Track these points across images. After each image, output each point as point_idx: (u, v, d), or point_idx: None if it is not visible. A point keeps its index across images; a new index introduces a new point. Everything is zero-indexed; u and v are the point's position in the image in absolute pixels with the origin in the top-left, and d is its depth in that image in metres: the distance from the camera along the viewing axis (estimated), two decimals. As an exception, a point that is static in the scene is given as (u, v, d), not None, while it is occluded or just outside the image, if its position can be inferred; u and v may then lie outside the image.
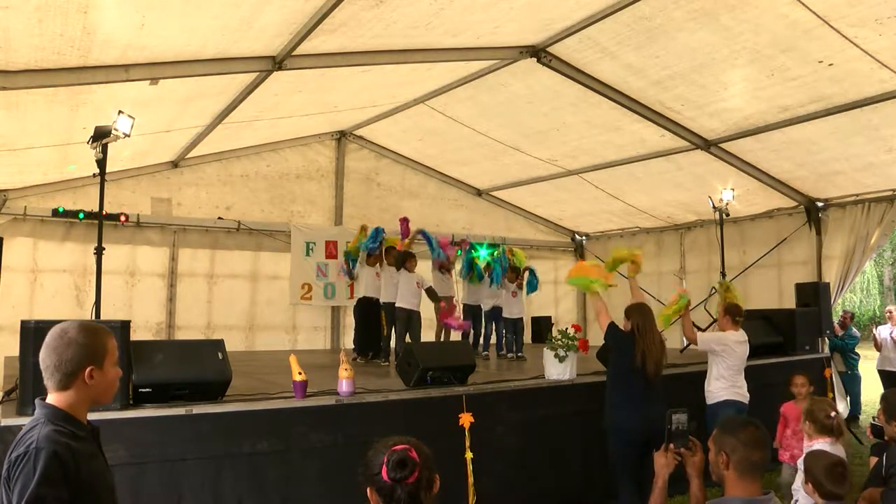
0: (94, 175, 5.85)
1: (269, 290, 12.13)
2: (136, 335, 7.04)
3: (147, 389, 5.00)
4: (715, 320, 8.06)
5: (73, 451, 2.18)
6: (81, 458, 2.21)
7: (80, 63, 6.11)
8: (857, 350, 11.60)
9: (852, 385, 11.35)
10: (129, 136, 5.75)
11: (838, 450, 4.29)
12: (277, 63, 7.39)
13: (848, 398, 11.17)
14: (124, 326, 4.89)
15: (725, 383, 6.47)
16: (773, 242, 11.73)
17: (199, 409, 4.99)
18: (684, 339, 10.32)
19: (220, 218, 11.74)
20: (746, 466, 2.76)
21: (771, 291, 11.60)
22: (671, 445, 3.26)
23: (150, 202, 11.23)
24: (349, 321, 12.20)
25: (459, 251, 10.54)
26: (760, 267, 11.86)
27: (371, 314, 9.71)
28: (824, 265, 11.08)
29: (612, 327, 5.85)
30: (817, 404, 4.42)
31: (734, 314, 6.82)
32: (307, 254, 12.30)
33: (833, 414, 4.32)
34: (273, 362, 8.80)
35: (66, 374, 2.29)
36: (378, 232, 9.78)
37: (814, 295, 10.08)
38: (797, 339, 9.42)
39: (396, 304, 9.19)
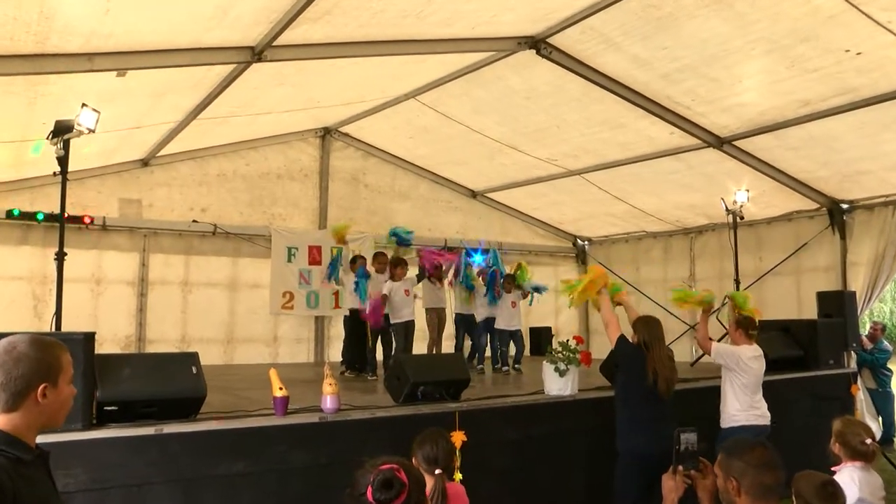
0: (55, 174, 5.79)
1: (249, 299, 12.06)
2: (102, 349, 6.90)
3: (112, 407, 4.90)
4: (727, 332, 8.00)
5: (13, 479, 2.12)
6: (23, 486, 2.14)
7: (37, 50, 6.03)
8: (889, 365, 11.47)
9: (885, 404, 11.16)
10: (93, 131, 5.70)
11: (872, 475, 4.22)
12: (256, 54, 7.36)
13: (880, 418, 11.00)
14: (88, 339, 4.80)
15: (742, 404, 6.42)
16: (791, 247, 11.70)
17: (169, 429, 4.93)
18: (694, 348, 10.32)
19: (194, 221, 11.67)
20: (759, 490, 2.72)
21: (789, 301, 11.53)
22: (680, 467, 3.22)
23: (117, 203, 11.13)
24: (334, 332, 12.20)
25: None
26: (778, 274, 11.81)
27: (359, 326, 9.66)
28: (850, 272, 11.01)
29: (622, 341, 5.80)
30: (850, 426, 4.34)
31: (747, 327, 6.77)
32: (289, 259, 12.23)
33: (868, 441, 4.24)
34: (252, 377, 8.74)
35: (14, 394, 2.21)
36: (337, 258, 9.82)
37: (838, 305, 10.01)
38: (820, 353, 9.33)
39: (392, 320, 9.17)
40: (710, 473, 3.22)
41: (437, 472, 3.80)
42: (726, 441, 3.15)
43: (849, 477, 4.05)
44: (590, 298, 6.51)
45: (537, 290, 10.94)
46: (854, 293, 10.45)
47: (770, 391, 6.82)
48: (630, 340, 5.78)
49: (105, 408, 4.89)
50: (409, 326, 9.26)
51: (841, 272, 11.10)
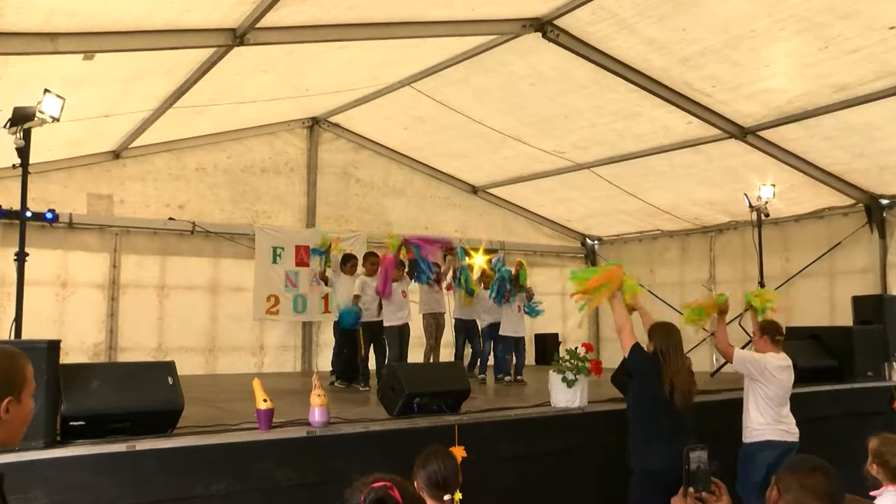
0: (14, 166, 5.73)
1: (231, 304, 12.05)
2: (68, 358, 6.89)
3: (79, 422, 4.84)
4: (751, 339, 7.94)
5: None
6: None
7: (-9, 28, 6.01)
8: None
9: None
10: (58, 120, 5.65)
11: None
12: (238, 37, 7.35)
13: None
14: (52, 347, 4.75)
15: (767, 418, 6.35)
16: (823, 247, 11.66)
17: (142, 445, 4.87)
18: (715, 357, 10.24)
19: (171, 218, 11.63)
20: None
21: (821, 306, 11.47)
22: (690, 489, 3.18)
23: (85, 199, 11.08)
24: (323, 339, 12.20)
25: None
26: (808, 276, 11.77)
27: (352, 332, 9.61)
28: (891, 274, 10.95)
29: (636, 349, 5.75)
30: (889, 445, 4.25)
31: (774, 333, 6.70)
32: (274, 260, 12.21)
33: None
34: (235, 387, 8.73)
35: None
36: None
37: (877, 310, 9.89)
38: (856, 363, 9.18)
39: (385, 323, 9.15)
40: (725, 495, 3.18)
41: (447, 497, 3.70)
42: (797, 457, 3.09)
43: (891, 502, 3.98)
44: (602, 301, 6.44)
45: (529, 311, 10.78)
46: (896, 297, 10.39)
47: (799, 405, 6.74)
48: (645, 349, 5.73)
49: (70, 423, 4.82)
50: (403, 331, 9.19)
51: (880, 274, 11.03)
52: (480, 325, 10.64)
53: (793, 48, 7.96)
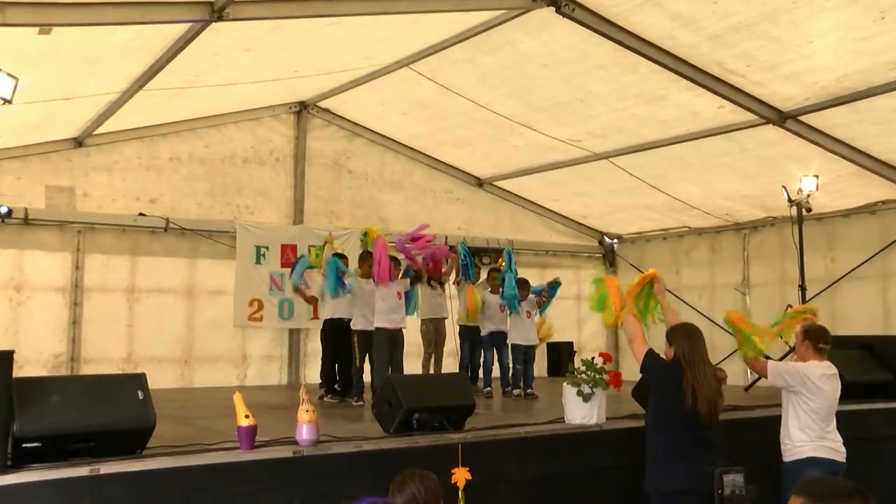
0: (-39, 154, 5.73)
1: (210, 309, 12.10)
2: (23, 371, 6.85)
3: (35, 444, 4.81)
4: (792, 349, 7.90)
5: None
6: None
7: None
8: None
9: None
10: (9, 101, 5.64)
11: None
12: (217, 11, 7.33)
13: None
14: (3, 359, 4.73)
15: (810, 434, 6.28)
16: (875, 246, 11.61)
17: (108, 468, 4.82)
18: (749, 371, 10.17)
19: (141, 214, 11.64)
20: None
21: (872, 312, 11.44)
22: None
23: (43, 192, 11.09)
24: (311, 348, 12.25)
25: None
26: (857, 279, 11.73)
27: (342, 339, 9.67)
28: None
29: (650, 357, 5.72)
30: None
31: (817, 340, 6.63)
32: (257, 261, 12.25)
33: None
34: (213, 402, 8.83)
35: None
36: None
37: (940, 318, 9.89)
38: None
39: (375, 325, 9.13)
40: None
41: None
42: (814, 480, 2.99)
43: None
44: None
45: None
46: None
47: (848, 424, 6.63)
48: (661, 355, 5.69)
49: (24, 445, 4.78)
50: (396, 337, 9.15)
51: (945, 276, 11.01)
52: (482, 332, 10.60)
53: (842, 20, 7.86)
